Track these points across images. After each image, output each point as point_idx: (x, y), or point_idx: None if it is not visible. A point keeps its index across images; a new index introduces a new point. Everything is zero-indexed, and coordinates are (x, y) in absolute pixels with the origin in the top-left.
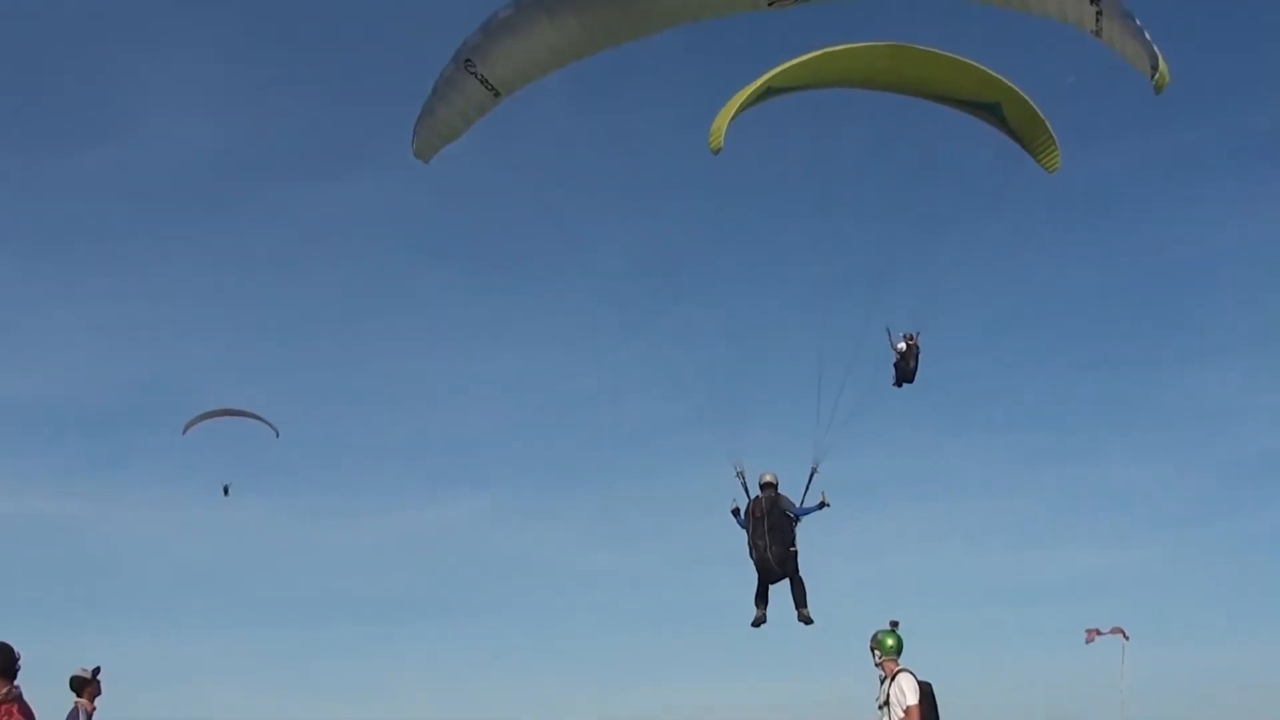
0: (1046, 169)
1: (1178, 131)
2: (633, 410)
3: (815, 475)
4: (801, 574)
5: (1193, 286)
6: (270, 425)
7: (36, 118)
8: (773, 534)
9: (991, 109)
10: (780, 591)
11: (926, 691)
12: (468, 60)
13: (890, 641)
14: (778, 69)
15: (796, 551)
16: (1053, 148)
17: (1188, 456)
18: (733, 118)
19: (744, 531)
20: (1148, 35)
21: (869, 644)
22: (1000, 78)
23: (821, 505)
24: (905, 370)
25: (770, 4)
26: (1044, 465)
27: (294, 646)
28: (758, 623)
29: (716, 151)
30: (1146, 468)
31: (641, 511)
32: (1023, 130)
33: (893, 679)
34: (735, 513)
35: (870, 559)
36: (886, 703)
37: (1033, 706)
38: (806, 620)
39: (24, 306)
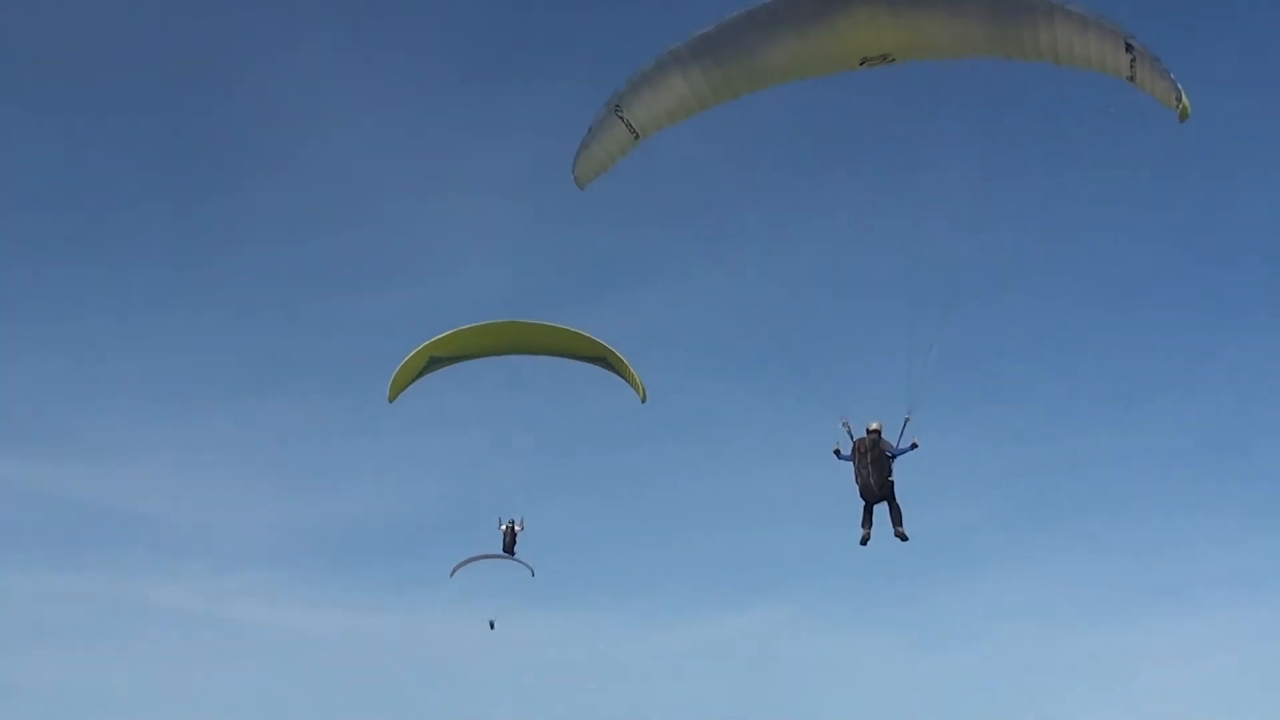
0: (640, 397)
1: None
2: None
3: (909, 422)
4: (899, 501)
5: None
6: (527, 566)
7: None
8: (874, 466)
9: (601, 360)
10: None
11: None
12: (617, 106)
13: None
14: (433, 340)
15: (893, 482)
16: (635, 380)
17: None
18: (404, 384)
19: (848, 463)
20: (1171, 74)
21: None
22: (601, 341)
23: (913, 446)
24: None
25: (861, 63)
26: None
27: None
28: (864, 540)
29: (391, 401)
30: None
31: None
32: (621, 373)
33: None
34: (836, 453)
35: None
36: None
37: None
38: (902, 537)
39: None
